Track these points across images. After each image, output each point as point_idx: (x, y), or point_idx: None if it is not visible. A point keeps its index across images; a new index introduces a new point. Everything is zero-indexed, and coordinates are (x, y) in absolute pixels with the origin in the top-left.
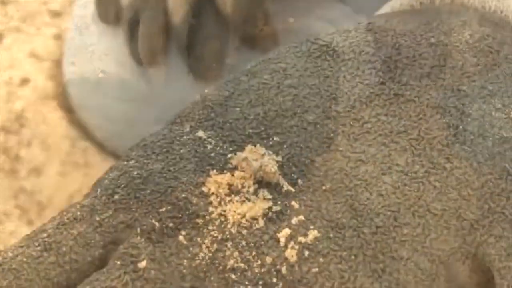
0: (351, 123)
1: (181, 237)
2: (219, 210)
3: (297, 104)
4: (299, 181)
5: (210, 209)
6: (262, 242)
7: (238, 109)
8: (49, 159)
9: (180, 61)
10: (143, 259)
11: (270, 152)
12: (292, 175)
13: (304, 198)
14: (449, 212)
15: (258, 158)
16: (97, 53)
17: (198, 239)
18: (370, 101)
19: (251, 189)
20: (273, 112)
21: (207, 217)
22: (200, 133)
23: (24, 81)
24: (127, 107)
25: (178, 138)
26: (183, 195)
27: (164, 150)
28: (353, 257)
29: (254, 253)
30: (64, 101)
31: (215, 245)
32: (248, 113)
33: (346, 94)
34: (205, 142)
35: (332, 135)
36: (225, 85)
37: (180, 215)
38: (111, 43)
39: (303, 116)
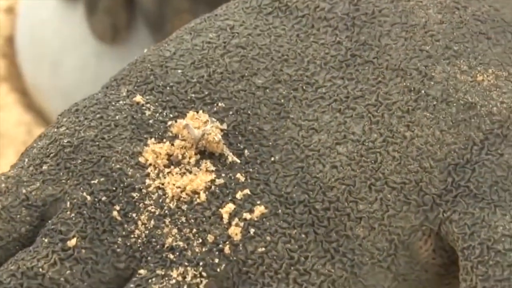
0: (303, 87)
1: (115, 213)
2: (157, 182)
3: (245, 66)
4: (246, 151)
5: (147, 181)
6: (204, 219)
7: (179, 71)
8: (3, 149)
9: (147, 38)
10: (73, 237)
11: (214, 119)
12: (238, 144)
13: (251, 170)
14: (409, 185)
15: (201, 125)
16: (53, 29)
17: (134, 214)
18: (325, 63)
19: (193, 160)
20: (218, 74)
21: (144, 191)
22: (138, 98)
23: None
24: (88, 88)
25: (113, 103)
26: (118, 166)
27: (98, 116)
28: (303, 235)
29: (194, 230)
30: (18, 82)
31: (152, 222)
32: (190, 76)
33: (299, 56)
34: (143, 107)
35: (282, 100)
36: (166, 45)
37: (114, 188)
38: (69, 18)
39: (251, 79)
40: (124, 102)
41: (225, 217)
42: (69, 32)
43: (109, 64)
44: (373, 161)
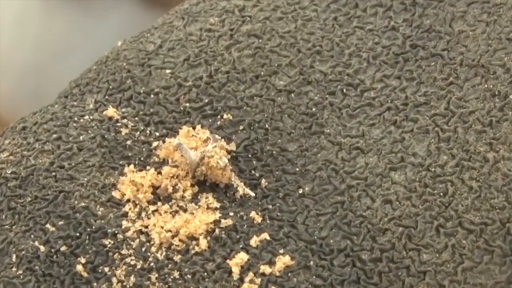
0: (344, 90)
1: (79, 267)
2: (138, 225)
3: (260, 62)
4: (263, 181)
5: (125, 223)
6: (205, 274)
7: (168, 71)
8: None
9: None
10: None
11: (218, 137)
12: (253, 171)
13: (270, 207)
14: (492, 227)
15: (199, 145)
16: None
17: (106, 269)
18: (374, 56)
19: (188, 194)
20: (223, 74)
21: (120, 236)
22: (110, 111)
23: None
24: (29, 53)
25: (76, 118)
26: (83, 204)
27: (54, 136)
28: None
29: None
30: None
31: (132, 278)
32: (184, 77)
33: (337, 46)
34: (118, 124)
35: (314, 109)
36: (149, 35)
37: (77, 234)
38: None
39: (270, 80)
40: (91, 117)
41: (235, 271)
42: None
43: (60, 22)
44: (442, 194)
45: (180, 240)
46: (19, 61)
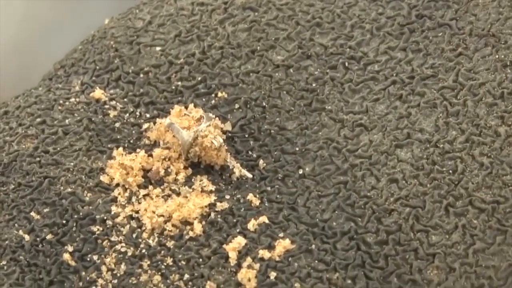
0: (346, 64)
1: (66, 256)
2: (128, 210)
3: (256, 36)
4: (261, 162)
5: (114, 209)
6: (200, 260)
7: (158, 48)
8: None
9: None
10: None
11: (212, 115)
12: (250, 152)
13: (269, 189)
14: (505, 206)
15: (192, 125)
16: None
17: (95, 257)
18: (378, 27)
19: (181, 177)
20: (217, 50)
21: (109, 222)
22: (98, 93)
23: None
24: (16, 36)
25: (61, 101)
26: (69, 190)
27: (38, 120)
28: (349, 281)
29: (187, 276)
30: None
31: (123, 266)
32: (175, 54)
33: (338, 18)
34: (106, 106)
35: (314, 85)
36: (137, 11)
37: (64, 221)
38: None
39: (267, 55)
40: (77, 99)
41: (233, 256)
42: None
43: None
44: (451, 171)
45: (173, 225)
46: (2, 40)
